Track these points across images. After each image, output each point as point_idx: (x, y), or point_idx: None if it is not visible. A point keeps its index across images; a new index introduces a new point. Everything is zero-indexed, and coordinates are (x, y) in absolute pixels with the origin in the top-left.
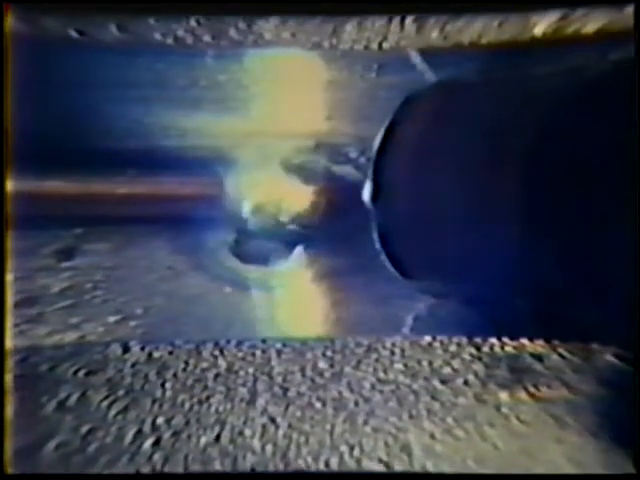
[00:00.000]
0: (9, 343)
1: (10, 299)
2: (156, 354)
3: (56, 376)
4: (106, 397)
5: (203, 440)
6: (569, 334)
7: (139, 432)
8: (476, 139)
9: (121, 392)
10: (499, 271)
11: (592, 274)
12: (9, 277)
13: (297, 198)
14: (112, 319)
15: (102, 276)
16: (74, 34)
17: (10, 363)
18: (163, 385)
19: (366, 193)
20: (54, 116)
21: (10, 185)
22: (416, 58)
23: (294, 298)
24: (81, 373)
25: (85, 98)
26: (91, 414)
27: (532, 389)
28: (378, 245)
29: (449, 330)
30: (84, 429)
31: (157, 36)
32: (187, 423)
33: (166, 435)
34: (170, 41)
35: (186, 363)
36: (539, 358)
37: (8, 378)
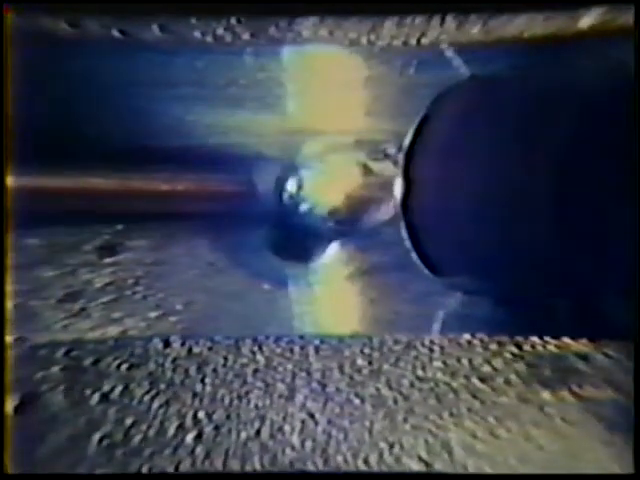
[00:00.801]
0: (53, 337)
1: (55, 294)
2: (196, 349)
3: (99, 370)
4: (148, 391)
5: (243, 435)
6: (601, 333)
7: (181, 426)
8: (509, 135)
9: (162, 386)
10: (531, 269)
11: (628, 273)
12: (53, 273)
13: (336, 195)
14: (153, 314)
15: (143, 272)
16: (117, 34)
17: (55, 356)
18: (203, 380)
19: (397, 189)
20: (96, 115)
21: (52, 182)
22: (451, 53)
23: (332, 295)
24: (123, 367)
25: (128, 97)
26: (134, 407)
27: (576, 389)
28: (408, 243)
29: (480, 328)
30: (127, 422)
31: (197, 34)
32: (227, 418)
33: (207, 429)
34: (210, 39)
35: (225, 359)
36: (583, 357)
37: (8, 377)
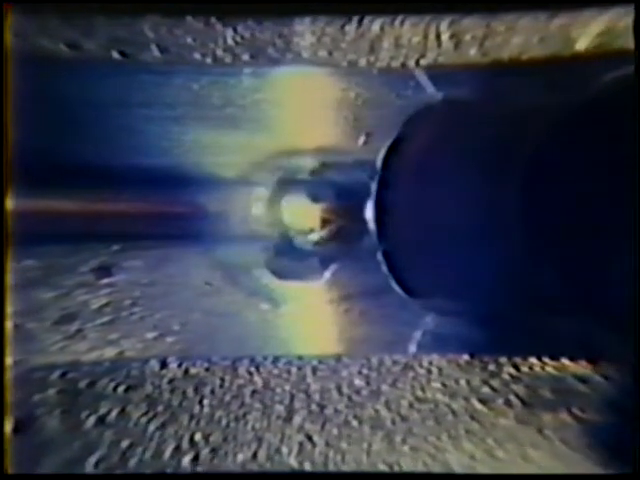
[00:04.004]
0: (48, 359)
1: (51, 315)
2: (193, 370)
3: (96, 392)
4: (145, 413)
5: (240, 457)
6: (578, 352)
7: (177, 448)
8: (480, 158)
9: (159, 408)
10: (503, 288)
11: (596, 290)
12: (49, 295)
13: (333, 215)
14: (150, 335)
15: (140, 293)
16: (116, 55)
17: (51, 379)
18: (200, 401)
19: (368, 212)
20: (93, 135)
21: (47, 203)
22: (420, 75)
23: (328, 315)
24: (120, 389)
25: (125, 118)
26: (130, 429)
27: (576, 411)
28: (384, 268)
29: (455, 348)
30: (124, 444)
31: (197, 55)
32: (225, 440)
33: (204, 451)
34: (209, 60)
35: (222, 380)
36: (582, 379)
37: (8, 385)
